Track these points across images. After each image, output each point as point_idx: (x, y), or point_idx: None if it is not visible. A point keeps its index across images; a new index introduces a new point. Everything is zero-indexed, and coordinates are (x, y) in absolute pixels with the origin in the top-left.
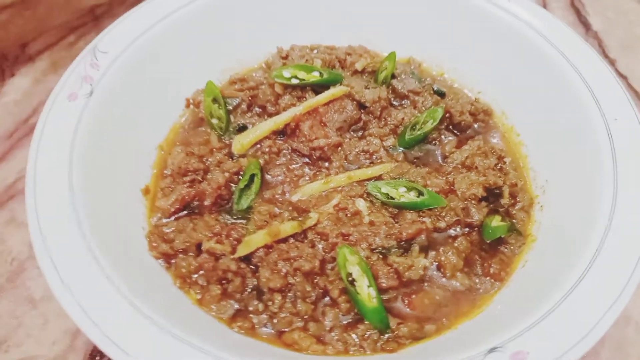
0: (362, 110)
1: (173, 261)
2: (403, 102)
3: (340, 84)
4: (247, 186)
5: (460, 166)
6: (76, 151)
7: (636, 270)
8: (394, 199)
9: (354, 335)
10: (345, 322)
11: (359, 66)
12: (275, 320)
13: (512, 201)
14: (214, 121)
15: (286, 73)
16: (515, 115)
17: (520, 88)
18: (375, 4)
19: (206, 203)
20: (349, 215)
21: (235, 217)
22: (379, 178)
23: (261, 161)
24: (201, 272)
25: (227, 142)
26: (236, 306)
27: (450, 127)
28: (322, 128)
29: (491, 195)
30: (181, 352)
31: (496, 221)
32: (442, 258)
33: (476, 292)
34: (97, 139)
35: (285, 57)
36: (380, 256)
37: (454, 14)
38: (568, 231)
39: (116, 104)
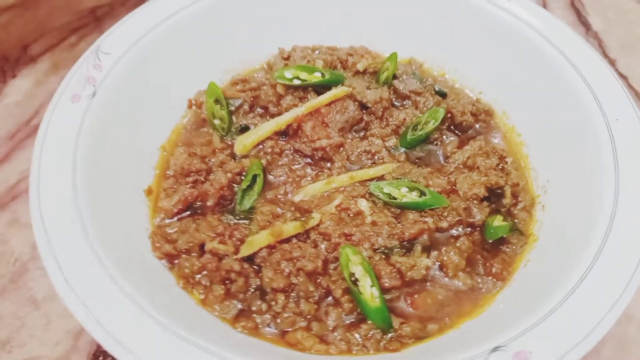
0: (364, 111)
1: (176, 261)
2: (404, 102)
3: (342, 85)
4: (250, 187)
5: (461, 166)
6: (79, 152)
7: (638, 269)
8: (396, 199)
9: (357, 335)
10: (348, 322)
11: (360, 67)
12: (278, 320)
13: (514, 201)
14: (216, 122)
15: (288, 74)
16: (516, 115)
17: (521, 88)
18: (375, 4)
19: (209, 203)
20: (351, 215)
21: (237, 218)
22: (381, 178)
23: (263, 162)
24: (204, 272)
25: (230, 142)
26: (239, 306)
27: (452, 127)
28: (324, 128)
29: (493, 195)
30: (185, 352)
31: (498, 221)
32: (445, 258)
33: (478, 292)
34: (100, 140)
35: (287, 58)
36: (383, 256)
37: (455, 14)
38: (570, 231)
39: (119, 105)
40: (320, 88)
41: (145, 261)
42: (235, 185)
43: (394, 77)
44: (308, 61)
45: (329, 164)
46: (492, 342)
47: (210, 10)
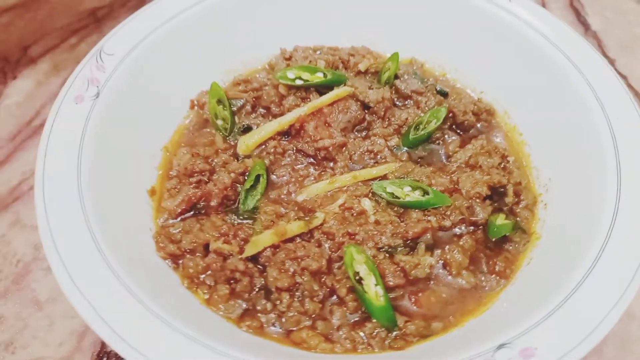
0: (366, 111)
1: (180, 261)
2: (406, 102)
3: (344, 85)
4: (253, 187)
5: (464, 165)
6: (84, 153)
7: None
8: (399, 198)
9: (361, 334)
10: (352, 321)
11: (362, 67)
12: (283, 320)
13: (516, 200)
14: (219, 122)
15: (290, 74)
16: (518, 114)
17: (522, 87)
18: (376, 4)
19: (212, 204)
20: (354, 214)
21: (241, 218)
22: (383, 178)
23: (266, 162)
24: (209, 272)
25: (232, 143)
26: (244, 306)
27: (454, 126)
28: (327, 128)
29: (495, 194)
30: (192, 351)
31: (501, 219)
32: (448, 256)
33: (482, 290)
34: (104, 141)
35: (289, 59)
36: (387, 255)
37: (455, 14)
38: (572, 229)
39: (122, 106)
40: (322, 88)
41: (149, 261)
42: (238, 185)
43: (396, 77)
44: (310, 61)
45: (331, 164)
46: (498, 339)
47: (212, 11)
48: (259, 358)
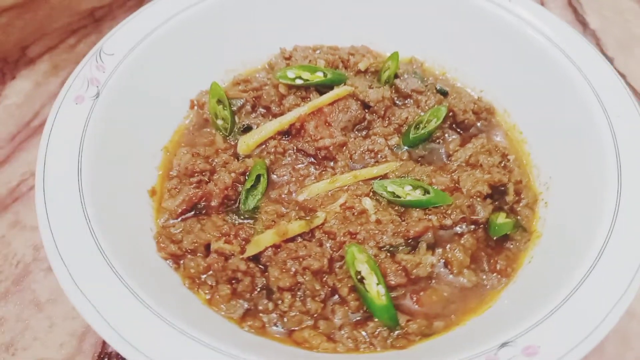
0: (366, 110)
1: (181, 262)
2: (406, 101)
3: (344, 84)
4: (254, 186)
5: (464, 164)
6: (84, 153)
7: None
8: (400, 197)
9: (363, 333)
10: (354, 320)
11: (362, 66)
12: (285, 319)
13: (517, 198)
14: (219, 122)
15: (290, 74)
16: (518, 113)
17: (521, 86)
18: (375, 4)
19: (213, 204)
20: (355, 214)
21: (242, 218)
22: (384, 177)
23: (267, 161)
24: (210, 272)
25: (232, 142)
26: (246, 306)
27: (454, 125)
28: (327, 128)
29: (496, 193)
30: (193, 350)
31: (501, 218)
32: (449, 255)
33: (483, 289)
34: (104, 141)
35: (289, 58)
36: (388, 254)
37: (455, 13)
38: (573, 227)
39: (122, 106)
40: (322, 88)
41: (150, 261)
42: (239, 185)
43: (396, 76)
44: (310, 61)
45: (332, 163)
46: (500, 338)
47: (211, 11)
48: (261, 358)
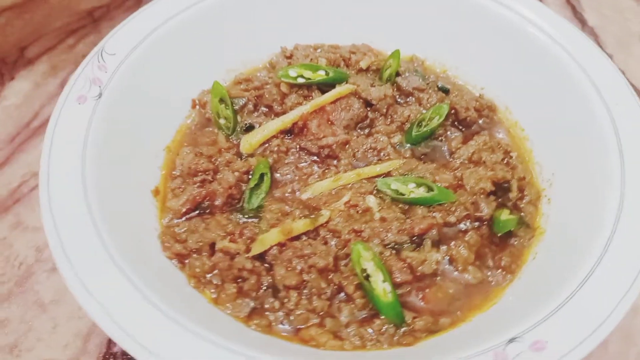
0: (369, 108)
1: (186, 261)
2: (408, 99)
3: (346, 83)
4: (257, 185)
5: (467, 161)
6: (88, 153)
7: None
8: (404, 195)
9: (370, 330)
10: (361, 318)
11: (363, 64)
12: (291, 318)
13: (520, 195)
14: (222, 121)
15: (292, 72)
16: (519, 110)
17: (522, 83)
18: (375, 3)
19: (217, 203)
20: (359, 212)
21: (246, 216)
22: (388, 175)
23: (270, 160)
24: (215, 271)
25: (235, 142)
26: (252, 304)
27: (456, 123)
28: (330, 126)
29: (499, 190)
30: (201, 348)
31: (505, 215)
32: (454, 252)
33: (488, 285)
34: (107, 142)
35: (290, 57)
36: (393, 251)
37: (455, 11)
38: (577, 223)
39: (124, 106)
40: (324, 86)
41: (155, 261)
42: (242, 184)
43: (397, 74)
44: (311, 60)
45: (335, 162)
46: (508, 333)
47: (211, 10)
48: (269, 356)
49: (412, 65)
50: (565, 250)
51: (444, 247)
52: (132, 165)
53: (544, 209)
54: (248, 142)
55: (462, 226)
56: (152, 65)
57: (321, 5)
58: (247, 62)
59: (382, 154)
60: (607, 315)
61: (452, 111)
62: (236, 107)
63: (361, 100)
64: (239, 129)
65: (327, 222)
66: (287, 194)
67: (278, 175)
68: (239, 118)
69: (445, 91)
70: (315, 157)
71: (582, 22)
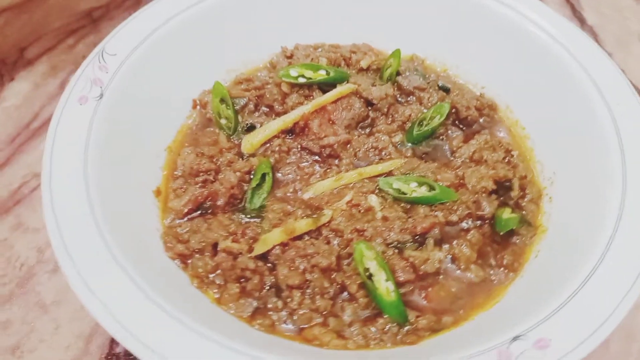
0: (370, 108)
1: (189, 261)
2: (409, 98)
3: (347, 82)
4: (259, 185)
5: (468, 160)
6: (90, 153)
7: None
8: (405, 194)
9: (373, 329)
10: (364, 317)
11: (364, 64)
12: (294, 317)
13: (521, 193)
14: (223, 121)
15: (293, 72)
16: (520, 109)
17: (523, 82)
18: (375, 2)
19: (219, 203)
20: (362, 211)
21: (249, 216)
22: (389, 174)
23: (271, 160)
24: (218, 271)
25: (236, 142)
26: (255, 304)
27: (457, 122)
28: (331, 126)
29: (500, 188)
30: (205, 348)
31: (507, 213)
32: (456, 251)
33: (491, 284)
34: (109, 142)
35: (290, 57)
36: (396, 250)
37: (455, 10)
38: (579, 221)
39: (125, 106)
40: (325, 86)
41: (158, 261)
42: (244, 184)
43: (397, 73)
44: (312, 59)
45: (336, 161)
46: (511, 331)
47: (212, 10)
48: (273, 355)
49: (413, 65)
50: (567, 249)
51: (446, 246)
52: (133, 165)
53: (545, 208)
54: (249, 142)
55: (464, 225)
56: (152, 65)
57: (321, 5)
58: (248, 62)
59: (383, 153)
60: (610, 313)
61: (453, 110)
62: (237, 107)
63: (362, 99)
64: (240, 129)
65: (329, 222)
66: (289, 194)
67: (280, 175)
68: (239, 118)
69: (446, 90)
70: (316, 157)
71: (581, 21)
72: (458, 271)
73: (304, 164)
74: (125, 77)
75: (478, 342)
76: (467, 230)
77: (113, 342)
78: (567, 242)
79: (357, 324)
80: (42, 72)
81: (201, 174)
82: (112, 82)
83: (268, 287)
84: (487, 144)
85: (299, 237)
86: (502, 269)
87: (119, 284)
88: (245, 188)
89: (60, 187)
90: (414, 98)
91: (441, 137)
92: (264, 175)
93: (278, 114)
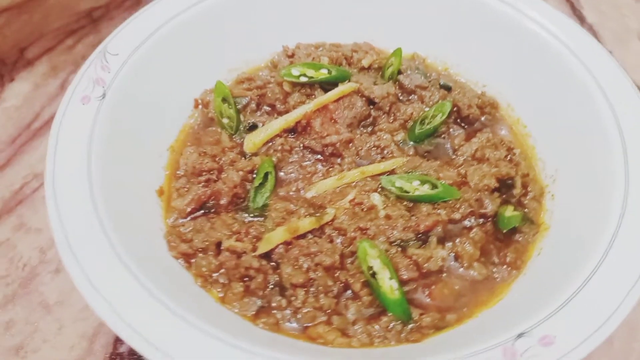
0: (371, 106)
1: (193, 260)
2: (410, 97)
3: (349, 81)
4: (262, 184)
5: (470, 158)
6: (93, 153)
7: None
8: (408, 192)
9: (377, 327)
10: (368, 315)
11: (365, 63)
12: (299, 316)
13: (524, 191)
14: (225, 121)
15: (295, 71)
16: (521, 107)
17: (524, 80)
18: (376, 1)
19: (222, 202)
20: (364, 209)
21: (252, 215)
22: (392, 172)
23: (274, 159)
24: (222, 270)
25: (238, 141)
26: (259, 303)
27: (458, 120)
28: (333, 125)
29: (503, 186)
30: (210, 346)
31: (509, 211)
32: (459, 249)
33: (494, 281)
34: (111, 142)
35: (292, 56)
36: (399, 249)
37: (455, 8)
38: (582, 219)
39: (127, 106)
40: (326, 85)
41: (162, 260)
42: (247, 183)
43: (399, 72)
44: (313, 58)
45: (339, 160)
46: (516, 328)
47: (213, 10)
48: (277, 353)
49: (414, 63)
50: (569, 246)
51: (449, 244)
52: (136, 165)
53: (548, 205)
54: (252, 141)
55: (466, 223)
56: (154, 65)
57: (322, 4)
58: (249, 62)
59: (385, 151)
60: (614, 309)
61: (455, 108)
62: (239, 107)
63: (364, 98)
64: (242, 128)
65: (332, 220)
66: (291, 193)
67: (282, 174)
68: (241, 117)
69: (448, 89)
70: (319, 156)
71: (580, 19)
72: (461, 269)
73: (306, 163)
74: (127, 76)
75: (482, 340)
76: (470, 228)
77: (117, 342)
78: (569, 239)
79: (361, 322)
80: (42, 72)
81: (204, 173)
82: (114, 82)
83: (272, 286)
84: (489, 142)
85: (303, 236)
86: (505, 266)
87: (123, 283)
88: (248, 187)
89: (64, 186)
90: (416, 97)
91: (443, 136)
92: (266, 174)
93: (280, 113)
